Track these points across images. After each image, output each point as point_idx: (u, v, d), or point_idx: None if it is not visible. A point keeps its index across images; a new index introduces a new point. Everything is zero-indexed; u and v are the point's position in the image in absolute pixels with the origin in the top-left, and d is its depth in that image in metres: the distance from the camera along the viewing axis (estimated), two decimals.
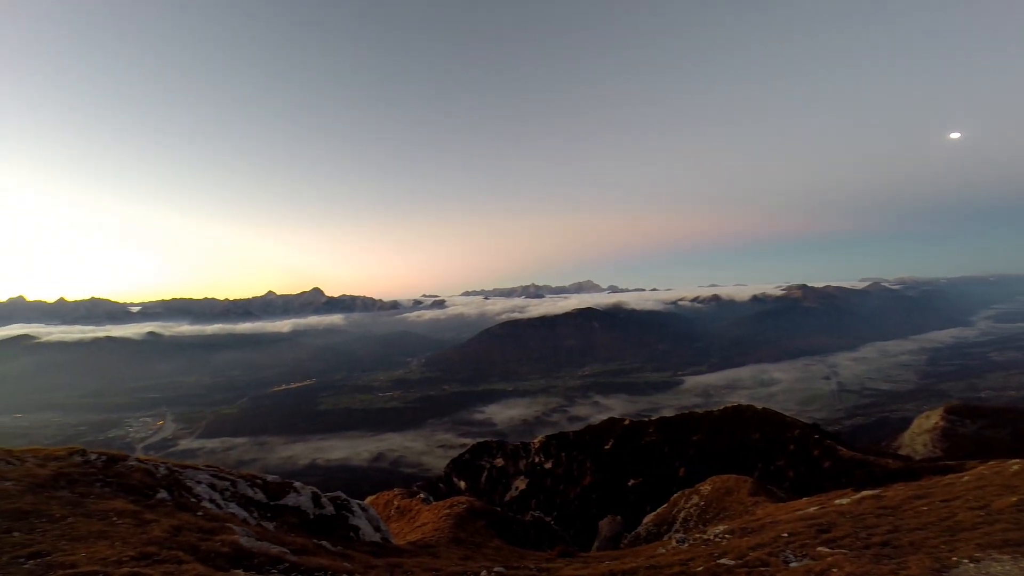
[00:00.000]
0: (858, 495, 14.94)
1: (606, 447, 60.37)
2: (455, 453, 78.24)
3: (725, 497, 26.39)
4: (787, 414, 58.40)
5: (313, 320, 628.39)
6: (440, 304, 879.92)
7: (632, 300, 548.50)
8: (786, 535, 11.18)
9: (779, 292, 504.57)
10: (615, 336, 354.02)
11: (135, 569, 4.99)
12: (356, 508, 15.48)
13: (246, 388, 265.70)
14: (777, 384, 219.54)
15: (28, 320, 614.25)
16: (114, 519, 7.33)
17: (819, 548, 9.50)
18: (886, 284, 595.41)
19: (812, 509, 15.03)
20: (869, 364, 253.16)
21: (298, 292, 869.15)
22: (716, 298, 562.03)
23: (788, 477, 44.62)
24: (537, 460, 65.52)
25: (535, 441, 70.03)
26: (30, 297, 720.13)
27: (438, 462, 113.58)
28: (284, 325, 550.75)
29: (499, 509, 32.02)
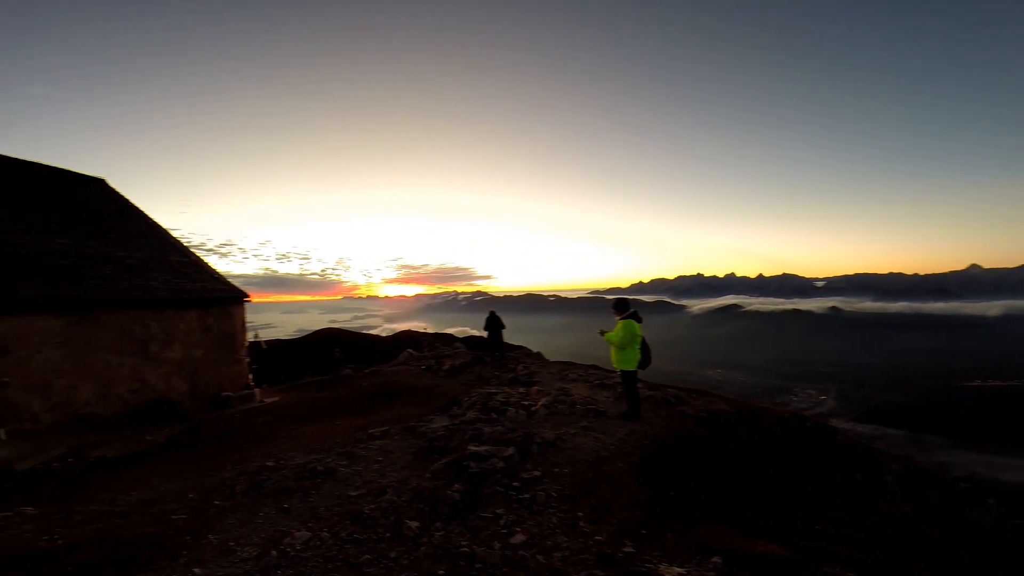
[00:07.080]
0: None
1: None
2: None
3: None
4: None
5: None
6: None
7: None
8: None
9: None
10: None
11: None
12: None
13: (924, 377, 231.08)
14: None
15: (737, 292, 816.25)
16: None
17: None
18: None
19: None
20: None
21: (1017, 265, 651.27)
22: None
23: None
24: None
25: None
26: (739, 273, 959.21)
27: None
28: (990, 307, 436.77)
29: None
